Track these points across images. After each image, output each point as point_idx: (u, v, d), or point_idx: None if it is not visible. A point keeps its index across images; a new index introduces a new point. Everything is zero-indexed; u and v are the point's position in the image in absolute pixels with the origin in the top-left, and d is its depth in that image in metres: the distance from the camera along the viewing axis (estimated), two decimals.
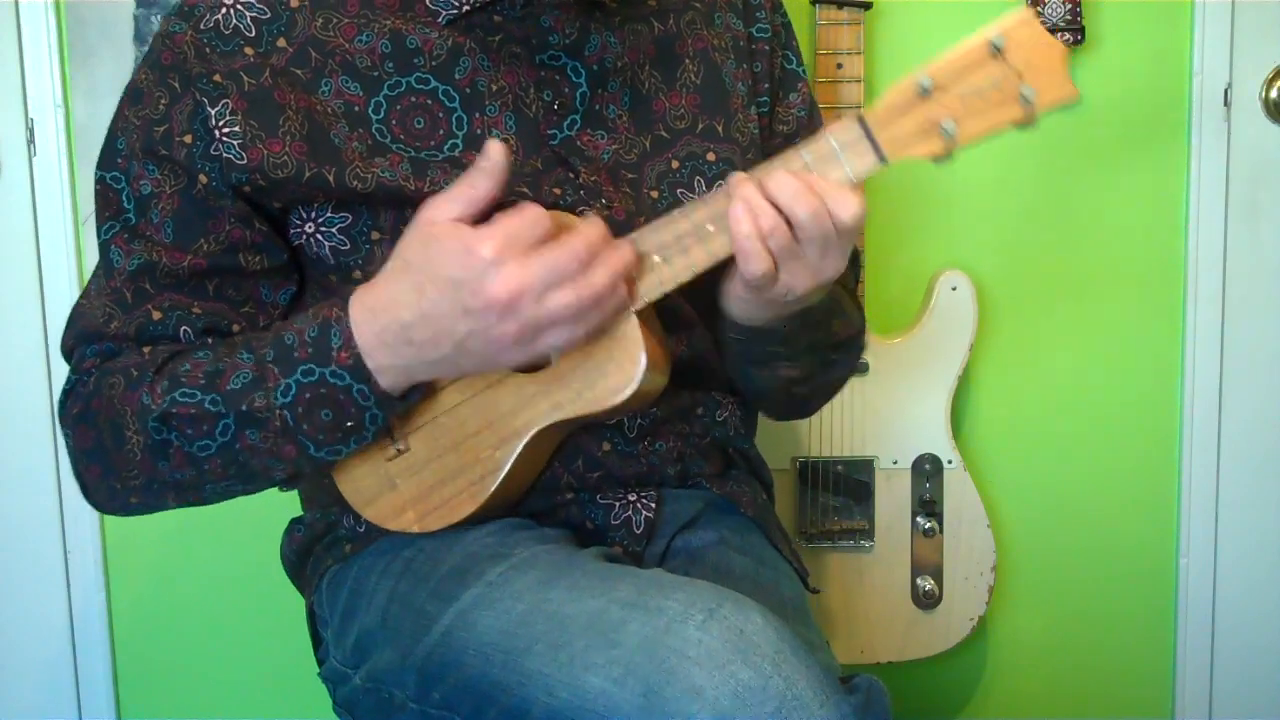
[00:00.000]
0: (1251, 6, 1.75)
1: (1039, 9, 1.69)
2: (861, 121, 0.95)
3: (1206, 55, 1.76)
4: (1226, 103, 1.77)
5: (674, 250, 0.97)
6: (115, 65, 1.70)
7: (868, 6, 1.62)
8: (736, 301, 1.02)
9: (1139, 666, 1.91)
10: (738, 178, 0.95)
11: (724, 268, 0.99)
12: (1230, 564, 1.87)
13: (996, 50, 0.93)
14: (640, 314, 0.98)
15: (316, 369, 0.95)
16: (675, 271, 0.98)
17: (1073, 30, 1.70)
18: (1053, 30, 1.69)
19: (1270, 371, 1.83)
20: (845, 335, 1.15)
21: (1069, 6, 1.69)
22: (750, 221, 0.93)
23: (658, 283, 0.98)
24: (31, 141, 1.71)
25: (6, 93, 1.70)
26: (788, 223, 0.93)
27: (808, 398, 1.20)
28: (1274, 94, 1.76)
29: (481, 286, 0.88)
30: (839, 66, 1.60)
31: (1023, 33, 0.93)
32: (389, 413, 0.97)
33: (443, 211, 0.92)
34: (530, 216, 0.90)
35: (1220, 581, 1.87)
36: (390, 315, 0.92)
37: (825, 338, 1.12)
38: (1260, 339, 1.83)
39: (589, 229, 0.92)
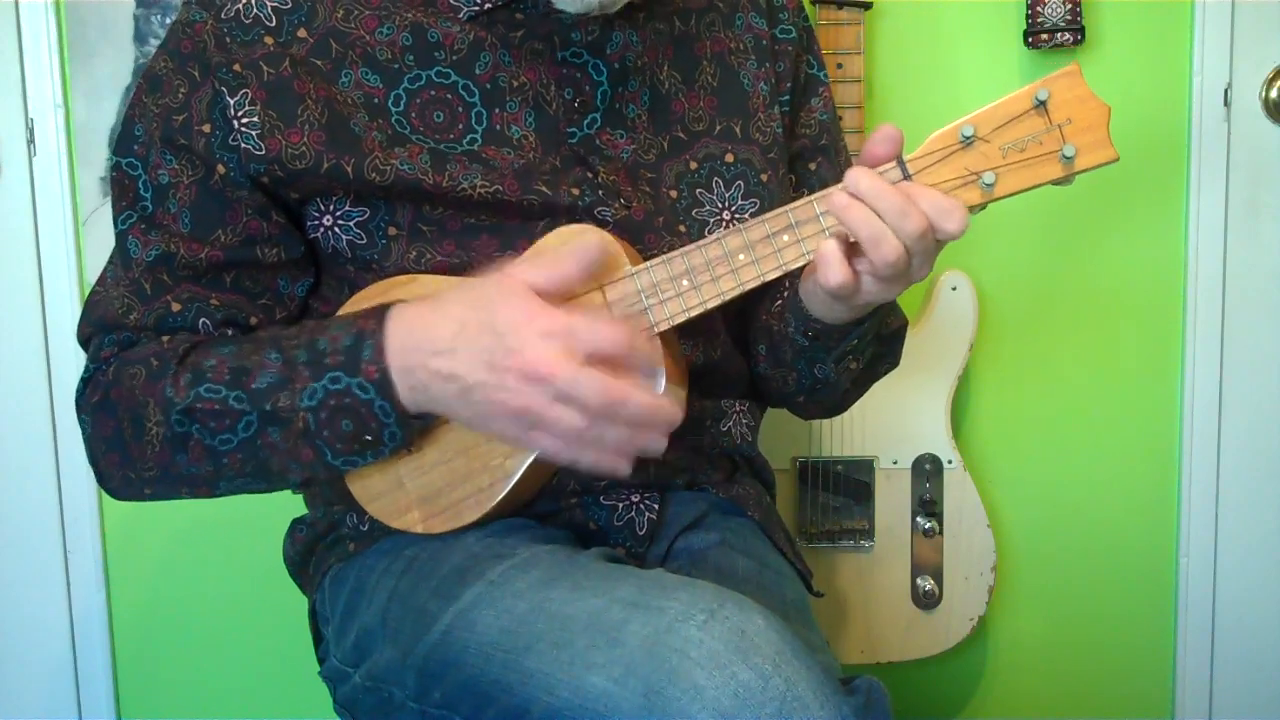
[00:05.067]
0: (1251, 6, 1.75)
1: (1039, 9, 1.69)
2: (902, 164, 0.95)
3: (1206, 55, 1.76)
4: (1226, 103, 1.77)
5: (703, 276, 0.98)
6: (115, 65, 1.70)
7: (868, 6, 1.62)
8: (820, 304, 1.03)
9: (1139, 666, 1.91)
10: (843, 201, 0.94)
11: (777, 282, 1.00)
12: (1230, 564, 1.87)
13: (1040, 104, 0.93)
14: (661, 333, 0.98)
15: (344, 378, 0.95)
16: (703, 298, 0.98)
17: (1073, 30, 1.69)
18: (1053, 30, 1.69)
19: (1270, 371, 1.83)
20: (895, 327, 1.16)
21: (1069, 6, 1.69)
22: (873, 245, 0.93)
23: (683, 309, 0.99)
24: (31, 141, 1.71)
25: (6, 93, 1.70)
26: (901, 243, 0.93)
27: (850, 391, 1.20)
28: (1274, 94, 1.76)
29: (518, 348, 0.88)
30: (839, 66, 1.60)
31: (1068, 89, 0.94)
32: (408, 431, 0.97)
33: (526, 274, 0.92)
34: (608, 330, 0.89)
35: (1220, 581, 1.87)
36: (424, 334, 0.93)
37: (883, 329, 1.13)
38: (1260, 339, 1.83)
39: (644, 394, 0.90)
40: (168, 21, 1.68)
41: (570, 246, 0.95)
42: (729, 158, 1.12)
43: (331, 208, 1.04)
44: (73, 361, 1.74)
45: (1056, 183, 0.95)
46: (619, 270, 0.99)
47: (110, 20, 1.69)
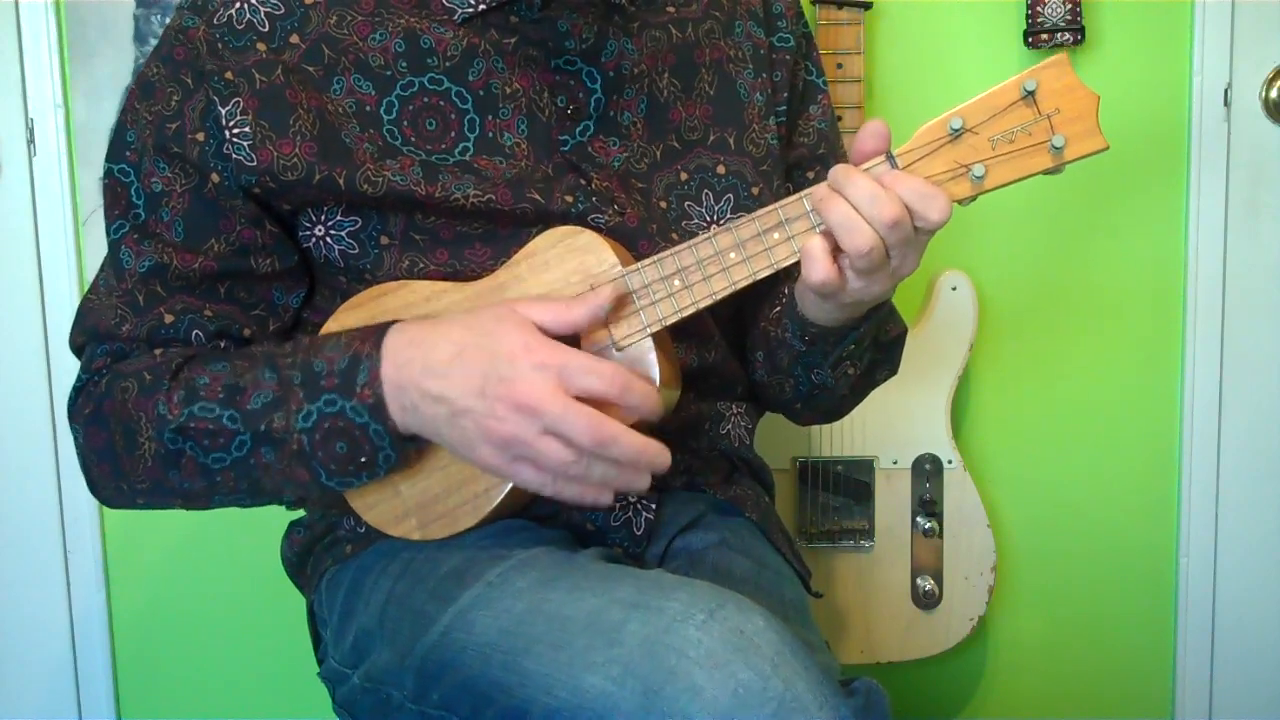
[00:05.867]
0: (1251, 6, 1.75)
1: (1039, 9, 1.69)
2: (891, 159, 0.94)
3: (1206, 55, 1.76)
4: (1226, 103, 1.77)
5: (695, 276, 0.98)
6: (115, 65, 1.70)
7: (868, 6, 1.62)
8: (812, 304, 1.02)
9: (1139, 666, 1.91)
10: (822, 194, 0.94)
11: (766, 283, 0.99)
12: (1230, 564, 1.87)
13: (1028, 94, 0.93)
14: (654, 334, 0.98)
15: (340, 400, 0.95)
16: (695, 298, 0.98)
17: (1073, 30, 1.69)
18: (1053, 30, 1.69)
19: (1270, 371, 1.83)
20: (894, 334, 1.16)
21: (1069, 6, 1.69)
22: (849, 240, 0.92)
23: (675, 309, 0.98)
24: (31, 141, 1.71)
25: (6, 93, 1.70)
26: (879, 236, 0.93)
27: (848, 398, 1.19)
28: (1274, 94, 1.76)
29: (511, 377, 0.88)
30: (839, 67, 1.60)
31: (1055, 79, 0.93)
32: (402, 454, 0.97)
33: (532, 312, 0.92)
34: (604, 371, 0.90)
35: (1220, 581, 1.87)
36: (419, 354, 0.93)
37: (882, 334, 1.12)
38: (1260, 338, 1.83)
39: (634, 436, 0.91)
40: (167, 21, 1.68)
41: (584, 294, 0.95)
42: (720, 169, 1.12)
43: (323, 218, 1.04)
44: (72, 362, 1.73)
45: (1047, 172, 0.95)
46: (581, 234, 0.99)
47: (110, 20, 1.69)
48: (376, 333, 0.96)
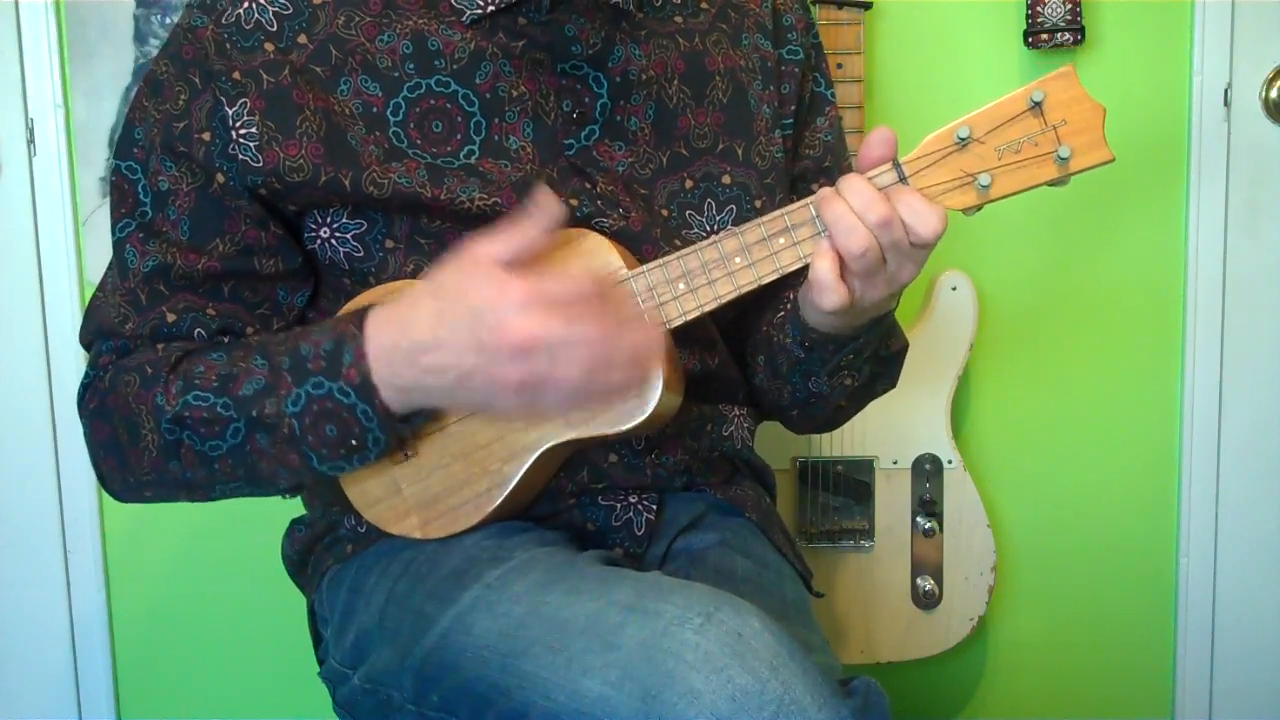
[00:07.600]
0: (1251, 6, 1.75)
1: (1039, 9, 1.69)
2: (897, 166, 0.95)
3: (1206, 55, 1.76)
4: (1226, 103, 1.77)
5: (700, 279, 0.98)
6: (115, 65, 1.70)
7: (868, 6, 1.62)
8: (815, 309, 1.02)
9: (1139, 666, 1.91)
10: (824, 194, 0.95)
11: (770, 289, 0.99)
12: (1230, 564, 1.87)
13: (1035, 105, 0.93)
14: None
15: (326, 382, 0.94)
16: (700, 301, 0.98)
17: (1073, 30, 1.69)
18: (1053, 30, 1.69)
19: (1270, 371, 1.83)
20: (896, 348, 1.16)
21: (1069, 6, 1.69)
22: (845, 239, 0.94)
23: (680, 313, 0.98)
24: (31, 141, 1.71)
25: (6, 93, 1.70)
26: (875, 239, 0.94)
27: (845, 408, 1.19)
28: (1274, 94, 1.76)
29: (500, 324, 0.86)
30: (839, 67, 1.60)
31: (1063, 90, 0.94)
32: (391, 435, 0.97)
33: (486, 250, 0.91)
34: (572, 281, 0.88)
35: (1220, 581, 1.87)
36: (404, 332, 0.92)
37: (883, 348, 1.12)
38: (1260, 339, 1.83)
39: (635, 327, 0.89)
40: (168, 22, 1.68)
41: (525, 211, 0.93)
42: (726, 179, 1.12)
43: (329, 220, 1.04)
44: (73, 362, 1.74)
45: (1052, 184, 0.95)
46: (586, 237, 0.99)
47: (110, 20, 1.69)
48: (358, 315, 0.95)
